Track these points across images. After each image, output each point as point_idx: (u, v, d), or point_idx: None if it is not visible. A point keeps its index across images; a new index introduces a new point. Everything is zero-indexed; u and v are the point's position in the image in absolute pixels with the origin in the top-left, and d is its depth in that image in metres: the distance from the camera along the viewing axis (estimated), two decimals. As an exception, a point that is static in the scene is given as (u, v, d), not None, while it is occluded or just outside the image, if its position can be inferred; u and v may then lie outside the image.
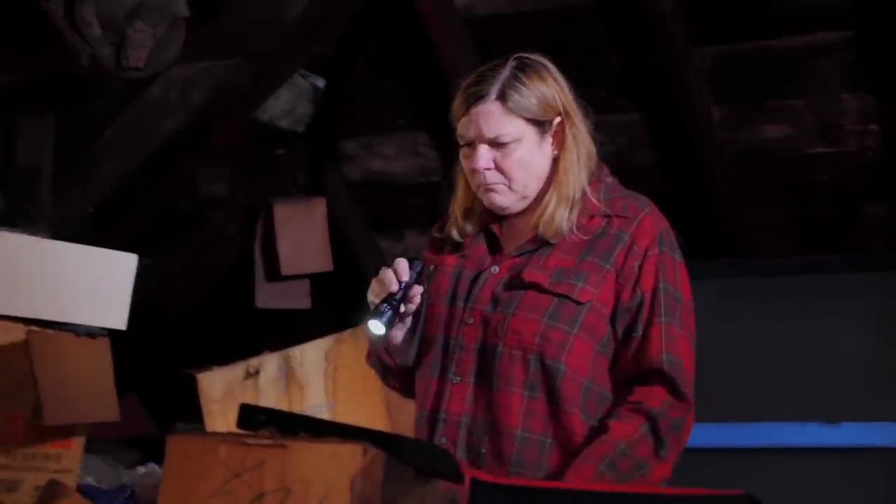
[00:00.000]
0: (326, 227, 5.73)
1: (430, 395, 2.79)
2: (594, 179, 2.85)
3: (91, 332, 2.79)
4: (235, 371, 4.73)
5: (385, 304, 2.72)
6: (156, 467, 4.73)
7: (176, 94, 4.76)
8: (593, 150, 2.87)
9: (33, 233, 3.35)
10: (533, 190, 2.81)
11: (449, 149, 5.59)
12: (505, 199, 2.81)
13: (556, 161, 2.82)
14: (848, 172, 5.22)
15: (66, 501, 2.68)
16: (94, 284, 2.80)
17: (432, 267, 2.85)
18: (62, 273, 2.76)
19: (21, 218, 4.61)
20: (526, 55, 2.87)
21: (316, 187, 5.84)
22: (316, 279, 5.77)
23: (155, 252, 5.32)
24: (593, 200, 2.80)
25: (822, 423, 4.74)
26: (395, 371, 2.91)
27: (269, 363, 4.80)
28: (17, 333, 2.71)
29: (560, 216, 2.79)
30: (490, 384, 2.73)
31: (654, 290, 2.77)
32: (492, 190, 2.80)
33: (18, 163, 4.79)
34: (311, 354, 4.86)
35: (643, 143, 5.39)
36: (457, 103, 2.82)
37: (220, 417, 4.54)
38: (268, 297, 5.79)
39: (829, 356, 4.90)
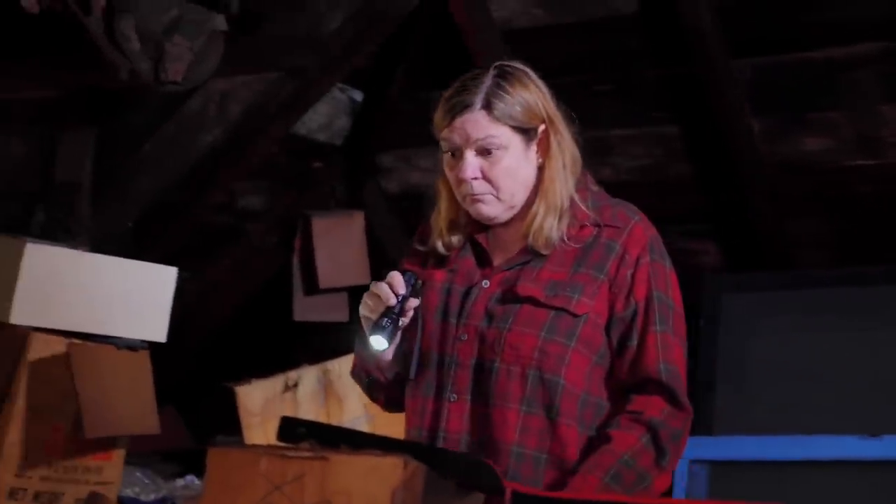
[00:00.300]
0: (364, 240, 5.73)
1: (426, 413, 2.75)
2: (581, 187, 2.83)
3: (131, 345, 2.80)
4: (274, 384, 4.73)
5: (385, 319, 2.70)
6: (195, 480, 4.74)
7: (214, 107, 4.77)
8: (578, 156, 2.85)
9: (73, 247, 3.36)
10: (520, 199, 2.79)
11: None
12: (492, 209, 2.79)
13: (541, 169, 2.80)
14: (888, 184, 5.19)
15: (107, 513, 2.69)
16: (134, 297, 2.81)
17: (422, 282, 2.82)
18: (103, 286, 2.77)
19: (61, 232, 4.62)
20: (507, 63, 2.86)
21: (354, 200, 5.84)
22: (354, 292, 5.77)
23: (193, 265, 5.33)
24: (583, 209, 2.79)
25: (864, 436, 4.71)
26: (382, 385, 2.88)
27: (308, 376, 4.80)
28: (59, 346, 2.72)
29: (549, 225, 2.77)
30: (486, 401, 2.70)
31: (648, 299, 2.75)
32: (479, 200, 2.77)
33: (58, 177, 4.81)
34: (348, 367, 4.86)
35: (681, 155, 5.37)
36: (439, 114, 2.81)
37: (259, 430, 4.54)
38: (306, 310, 5.79)
39: (870, 368, 4.88)
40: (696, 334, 5.19)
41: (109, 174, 4.87)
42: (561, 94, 5.32)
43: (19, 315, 2.68)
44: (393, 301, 2.71)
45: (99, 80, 4.61)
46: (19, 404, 2.67)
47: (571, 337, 2.71)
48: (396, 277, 2.75)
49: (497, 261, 2.83)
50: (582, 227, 2.79)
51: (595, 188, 2.90)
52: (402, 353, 2.79)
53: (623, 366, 2.74)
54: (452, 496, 2.35)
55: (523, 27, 5.20)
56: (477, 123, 2.75)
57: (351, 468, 2.22)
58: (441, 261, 2.87)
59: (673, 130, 5.33)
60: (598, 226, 2.79)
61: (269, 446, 2.30)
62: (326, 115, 5.55)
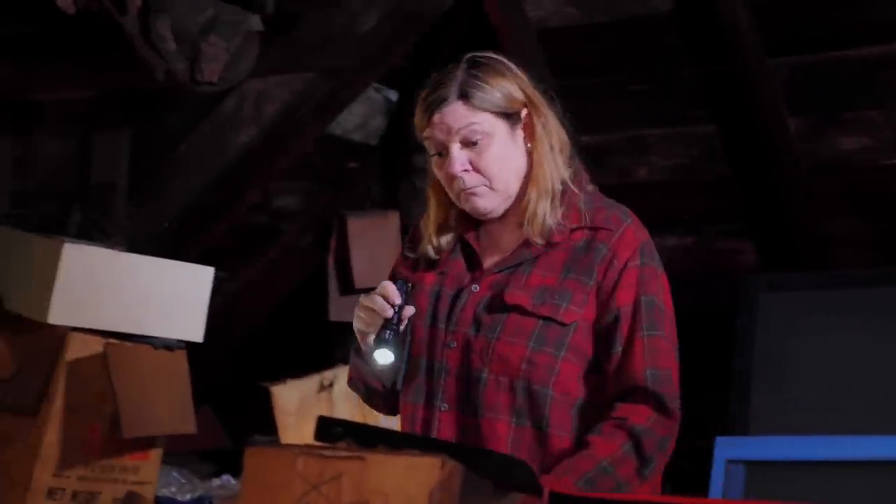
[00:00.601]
0: (400, 240, 5.73)
1: (417, 421, 2.72)
2: (576, 185, 2.77)
3: (168, 345, 2.80)
4: (309, 384, 4.74)
5: (387, 332, 2.65)
6: (231, 480, 4.75)
7: (249, 108, 4.78)
8: (565, 137, 2.80)
9: (110, 247, 3.36)
10: (514, 188, 2.73)
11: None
12: (488, 202, 2.73)
13: (530, 155, 2.75)
14: (926, 183, 5.18)
15: (145, 513, 2.69)
16: (171, 297, 2.81)
17: (411, 285, 2.75)
18: (140, 286, 2.78)
19: (97, 232, 4.64)
20: (478, 53, 2.79)
21: (389, 200, 5.84)
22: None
23: (229, 265, 5.35)
24: (577, 207, 2.73)
25: (901, 437, 4.69)
26: (380, 393, 2.83)
27: (343, 376, 4.79)
28: (96, 346, 2.73)
29: (542, 209, 2.71)
30: (475, 411, 2.67)
31: (636, 303, 2.68)
32: (473, 194, 2.72)
33: (94, 178, 4.83)
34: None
35: (718, 155, 5.35)
36: (418, 116, 2.74)
37: (295, 430, 4.54)
38: (341, 310, 5.79)
39: (908, 368, 4.87)
40: (733, 334, 5.18)
41: (145, 174, 4.89)
42: (596, 93, 5.36)
43: (57, 315, 2.69)
44: (390, 313, 2.66)
45: (135, 80, 4.62)
46: (57, 404, 2.68)
47: (561, 347, 2.66)
48: (389, 287, 2.68)
49: (487, 262, 2.77)
50: (573, 230, 2.72)
51: (590, 188, 2.82)
52: (395, 361, 2.73)
53: (610, 372, 2.68)
54: (490, 496, 2.34)
55: (558, 26, 5.19)
56: (456, 114, 2.69)
57: (388, 468, 2.21)
58: (431, 264, 2.81)
59: (709, 130, 5.31)
60: (591, 228, 2.72)
61: (307, 446, 2.29)
62: (362, 115, 5.55)
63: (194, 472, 4.74)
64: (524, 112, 2.75)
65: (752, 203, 5.41)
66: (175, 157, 4.90)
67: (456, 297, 2.74)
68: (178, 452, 4.53)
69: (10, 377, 2.69)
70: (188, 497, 4.31)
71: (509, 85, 2.75)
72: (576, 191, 2.75)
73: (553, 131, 2.77)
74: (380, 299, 2.68)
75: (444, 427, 2.68)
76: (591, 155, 5.39)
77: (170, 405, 2.78)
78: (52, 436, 2.68)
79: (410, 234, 2.89)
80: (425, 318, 2.74)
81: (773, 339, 5.13)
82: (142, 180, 4.87)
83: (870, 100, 5.09)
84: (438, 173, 2.76)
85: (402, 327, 2.68)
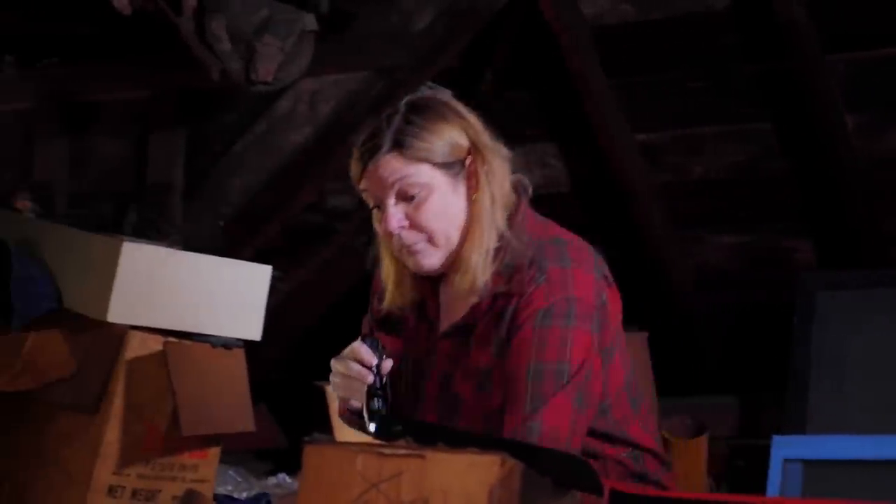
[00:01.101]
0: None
1: None
2: (503, 239, 2.59)
3: (227, 343, 2.81)
4: (364, 383, 4.73)
5: (375, 400, 2.54)
6: (286, 478, 4.75)
7: (304, 107, 4.78)
8: (508, 187, 2.61)
9: (166, 247, 3.38)
10: (456, 240, 2.57)
11: (578, 159, 5.59)
12: (431, 260, 2.58)
13: (470, 205, 2.58)
14: None
15: (204, 511, 2.70)
16: (229, 296, 2.82)
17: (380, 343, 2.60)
18: (198, 284, 2.78)
19: (153, 232, 4.67)
20: (419, 96, 2.63)
21: (442, 200, 5.84)
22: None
23: (283, 265, 5.36)
24: (498, 276, 2.57)
25: (960, 436, 4.65)
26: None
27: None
28: (155, 345, 2.74)
29: (475, 264, 2.55)
30: None
31: (524, 369, 2.52)
32: (414, 252, 2.57)
33: (150, 178, 4.86)
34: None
35: (775, 152, 5.32)
36: (353, 167, 2.59)
37: (348, 429, 4.54)
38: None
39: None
40: (790, 333, 5.15)
41: (200, 174, 4.91)
42: (652, 91, 5.34)
43: (116, 314, 2.70)
44: (370, 378, 2.54)
45: (190, 80, 4.65)
46: (117, 403, 2.69)
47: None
48: (361, 350, 2.55)
49: (444, 324, 2.64)
50: (494, 296, 2.58)
51: (524, 236, 2.61)
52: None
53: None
54: (549, 495, 2.33)
55: (613, 24, 5.17)
56: (388, 166, 2.53)
57: (448, 466, 2.21)
58: (396, 325, 2.69)
59: (766, 127, 5.28)
60: (507, 295, 2.56)
61: (366, 444, 2.29)
62: (415, 114, 5.55)
63: (250, 470, 4.75)
64: (468, 160, 2.58)
65: (810, 201, 5.38)
66: (230, 157, 4.92)
67: (418, 374, 2.65)
68: (234, 451, 4.55)
69: (71, 376, 2.70)
70: (244, 495, 4.33)
71: (452, 130, 2.58)
72: (508, 241, 2.57)
73: (496, 181, 2.59)
74: (355, 365, 2.55)
75: None
76: (646, 154, 5.42)
77: (228, 403, 2.79)
78: (111, 434, 2.69)
79: (374, 289, 2.77)
80: (398, 384, 2.64)
81: (831, 337, 5.10)
82: (197, 180, 4.89)
83: (928, 96, 5.06)
84: (377, 228, 2.62)
85: (386, 385, 2.56)
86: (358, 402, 2.58)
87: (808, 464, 4.76)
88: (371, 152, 2.55)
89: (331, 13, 4.49)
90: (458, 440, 2.35)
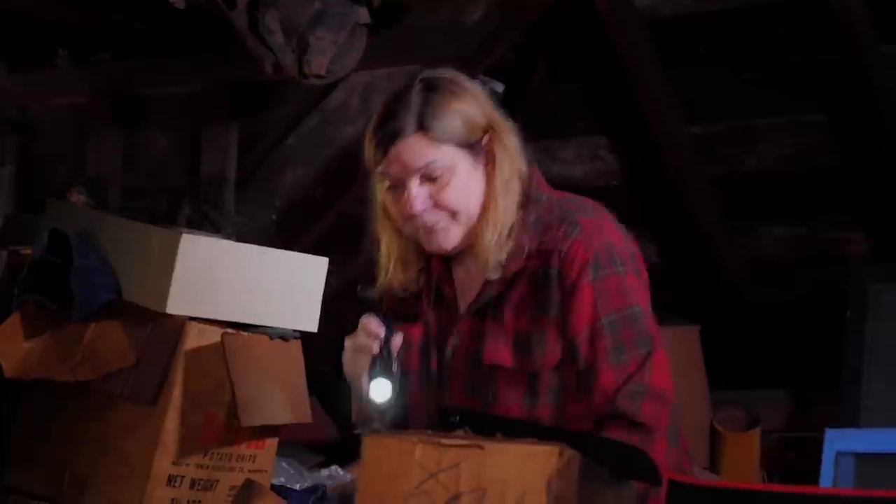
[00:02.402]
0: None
1: None
2: (524, 206, 2.59)
3: (284, 335, 2.82)
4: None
5: (377, 363, 2.58)
6: (339, 470, 4.76)
7: (356, 100, 4.80)
8: (523, 162, 2.61)
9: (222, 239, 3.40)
10: (476, 218, 2.57)
11: (629, 152, 5.58)
12: (452, 238, 2.58)
13: (487, 182, 2.57)
14: None
15: (263, 500, 2.71)
16: (285, 287, 2.83)
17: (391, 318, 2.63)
18: (255, 276, 2.79)
19: (206, 225, 4.69)
20: (430, 75, 2.60)
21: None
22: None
23: (335, 258, 5.36)
24: (527, 234, 2.57)
25: None
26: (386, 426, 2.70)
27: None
28: (213, 336, 2.75)
29: (488, 241, 2.55)
30: None
31: (593, 328, 2.53)
32: (435, 231, 2.56)
33: (203, 171, 4.88)
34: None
35: (829, 144, 5.29)
36: (369, 149, 2.57)
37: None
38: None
39: None
40: (844, 325, 5.13)
41: (253, 167, 4.93)
42: (705, 82, 5.31)
43: (175, 305, 2.71)
44: (376, 348, 2.56)
45: (243, 73, 4.66)
46: (176, 393, 2.70)
47: (556, 392, 2.57)
48: (371, 323, 2.58)
49: (463, 305, 2.63)
50: (528, 257, 2.57)
51: (543, 197, 2.64)
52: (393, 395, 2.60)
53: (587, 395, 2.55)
54: (607, 484, 2.34)
55: (667, 15, 5.15)
56: (414, 149, 2.52)
57: (506, 456, 2.21)
58: (412, 307, 2.69)
59: (820, 119, 5.25)
60: (542, 253, 2.56)
61: (424, 434, 2.30)
62: (468, 107, 5.55)
63: (302, 462, 4.77)
64: (485, 138, 2.58)
65: (864, 193, 5.34)
66: (282, 151, 4.94)
67: (442, 353, 2.65)
68: (287, 443, 4.56)
69: (130, 367, 2.72)
70: (298, 486, 4.34)
71: (470, 109, 2.58)
72: (524, 214, 2.58)
73: (511, 155, 2.60)
74: (362, 337, 2.59)
75: None
76: (698, 146, 5.40)
77: (285, 395, 2.80)
78: (170, 424, 2.70)
79: (372, 276, 2.78)
80: (420, 377, 2.67)
81: (885, 330, 5.08)
82: (250, 174, 4.91)
83: (985, 85, 5.02)
84: (393, 209, 2.60)
85: (393, 358, 2.57)
86: (364, 380, 2.60)
87: (861, 457, 4.74)
88: (393, 135, 2.53)
89: (383, 6, 4.49)
90: (516, 430, 2.35)
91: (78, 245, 2.81)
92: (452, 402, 2.62)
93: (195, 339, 2.73)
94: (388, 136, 2.53)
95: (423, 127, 2.52)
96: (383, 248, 2.70)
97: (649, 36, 5.15)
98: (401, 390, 2.61)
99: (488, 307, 2.62)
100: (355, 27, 4.37)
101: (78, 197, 4.75)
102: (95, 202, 4.76)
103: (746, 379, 5.61)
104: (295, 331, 2.85)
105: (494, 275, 2.58)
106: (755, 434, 4.95)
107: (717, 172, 5.48)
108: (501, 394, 2.61)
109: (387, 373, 2.59)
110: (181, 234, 2.73)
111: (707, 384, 5.28)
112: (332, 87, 4.75)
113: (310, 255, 2.88)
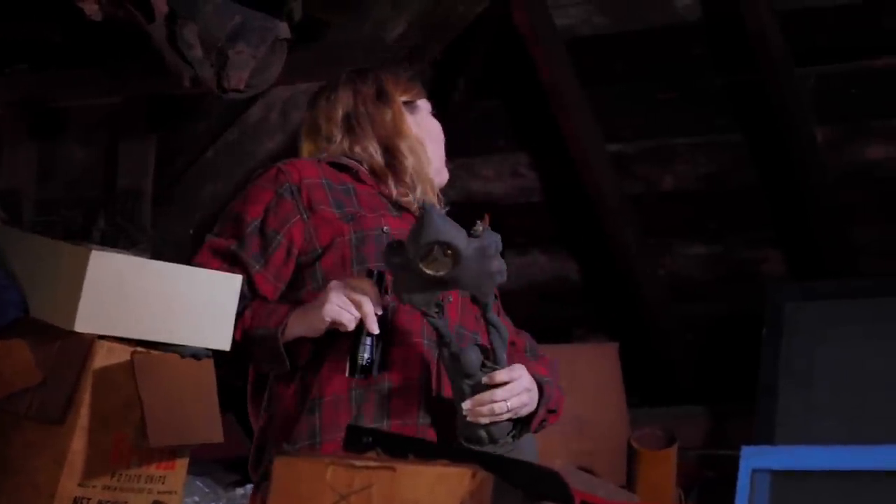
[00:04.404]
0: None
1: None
2: None
3: (196, 354, 2.78)
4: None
5: (363, 350, 2.64)
6: (254, 489, 4.73)
7: (276, 115, 4.77)
8: None
9: (135, 254, 3.36)
10: None
11: (550, 169, 5.60)
12: None
13: None
14: (954, 193, 5.15)
15: (172, 522, 2.68)
16: (198, 305, 2.78)
17: (385, 228, 2.80)
18: (167, 294, 2.75)
19: (122, 239, 4.64)
20: None
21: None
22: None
23: (253, 273, 5.33)
24: None
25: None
26: None
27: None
28: (123, 354, 2.70)
29: None
30: None
31: None
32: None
33: (119, 185, 4.83)
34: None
35: (745, 164, 5.34)
36: (411, 85, 3.03)
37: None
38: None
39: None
40: (760, 343, 5.17)
41: (171, 181, 4.88)
42: (624, 101, 5.35)
43: (83, 323, 2.66)
44: (376, 329, 2.64)
45: (161, 87, 4.62)
46: (83, 413, 2.65)
47: None
48: (373, 291, 2.67)
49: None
50: None
51: None
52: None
53: None
54: (520, 507, 2.33)
55: (587, 35, 5.19)
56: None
57: (419, 478, 2.20)
58: (383, 205, 2.87)
59: (736, 138, 5.30)
60: None
61: (336, 455, 2.28)
62: (388, 122, 5.54)
63: (217, 481, 4.73)
64: None
65: (780, 212, 5.40)
66: (201, 165, 4.90)
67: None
68: (202, 461, 4.52)
69: (37, 386, 2.67)
70: (213, 506, 4.31)
71: None
72: None
73: None
74: (353, 309, 2.64)
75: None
76: (617, 164, 5.43)
77: (197, 414, 2.76)
78: (78, 444, 2.65)
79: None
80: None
81: (800, 348, 5.12)
82: (167, 187, 4.87)
83: (897, 108, 5.09)
84: (432, 124, 3.02)
85: (378, 341, 2.66)
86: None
87: (777, 474, 4.78)
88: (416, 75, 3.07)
89: (304, 21, 4.47)
90: (428, 452, 2.34)
91: (-17, 262, 2.76)
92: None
93: (104, 357, 2.69)
94: (415, 75, 3.07)
95: None
96: (422, 159, 2.94)
97: (569, 55, 5.18)
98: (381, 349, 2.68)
99: None
100: (276, 42, 4.34)
101: (-10, 210, 4.69)
102: (8, 216, 4.69)
103: (664, 396, 5.64)
104: (207, 349, 2.80)
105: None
106: (672, 452, 4.97)
107: (636, 191, 5.51)
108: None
109: (369, 355, 2.64)
110: (91, 250, 2.69)
111: (625, 401, 5.30)
112: (252, 101, 4.73)
113: (223, 273, 2.83)
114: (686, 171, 5.42)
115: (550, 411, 2.75)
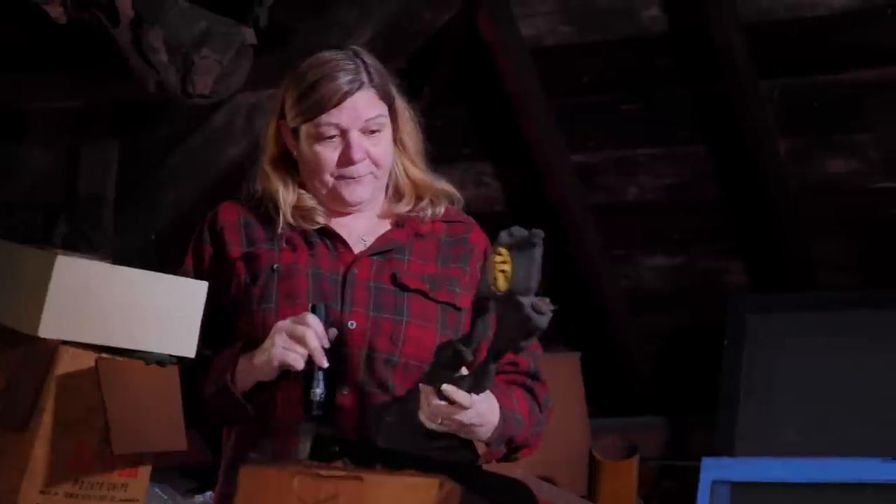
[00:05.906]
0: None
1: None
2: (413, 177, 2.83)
3: (161, 360, 2.76)
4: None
5: (316, 388, 2.59)
6: (212, 496, 4.71)
7: (241, 120, 4.76)
8: (419, 134, 2.85)
9: (97, 259, 3.34)
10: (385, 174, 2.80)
11: (513, 178, 5.60)
12: (368, 190, 2.75)
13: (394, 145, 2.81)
14: (914, 207, 5.19)
15: (134, 530, 2.66)
16: (164, 312, 2.77)
17: (276, 266, 2.73)
18: (133, 300, 2.73)
19: (84, 244, 4.61)
20: (357, 48, 2.84)
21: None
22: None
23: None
24: (430, 202, 2.81)
25: (887, 459, 4.70)
26: None
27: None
28: (87, 361, 2.68)
29: (387, 196, 2.81)
30: (387, 392, 2.65)
31: None
32: (359, 182, 2.74)
33: (82, 189, 4.80)
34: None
35: (708, 175, 5.36)
36: (320, 95, 2.71)
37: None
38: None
39: (894, 391, 4.87)
40: (720, 355, 5.18)
41: (134, 186, 4.86)
42: (588, 112, 5.36)
43: (48, 329, 2.64)
44: (325, 363, 2.59)
45: (126, 91, 4.60)
46: (46, 419, 2.63)
47: (458, 332, 2.68)
48: (319, 327, 2.61)
49: (356, 249, 2.77)
50: (434, 222, 2.80)
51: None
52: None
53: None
54: (486, 518, 2.33)
55: (551, 45, 5.19)
56: (367, 101, 2.71)
57: (386, 489, 2.20)
58: (286, 243, 2.77)
59: (700, 150, 5.32)
60: (447, 221, 2.82)
61: (302, 465, 2.27)
62: (352, 129, 5.54)
63: (176, 488, 4.70)
64: (396, 108, 2.80)
65: (742, 224, 5.42)
66: (164, 170, 4.88)
67: (341, 279, 2.72)
68: (160, 468, 4.49)
69: (0, 392, 2.65)
70: (172, 513, 4.29)
71: (390, 80, 2.81)
72: (415, 179, 2.81)
73: (409, 125, 2.83)
74: (300, 329, 2.60)
75: (346, 411, 2.62)
76: (581, 174, 5.44)
77: (160, 421, 2.74)
78: (40, 451, 2.63)
79: (244, 200, 2.89)
80: (307, 297, 2.69)
81: (761, 360, 5.14)
82: (130, 192, 4.85)
83: (859, 123, 5.12)
84: (323, 154, 2.73)
85: (329, 374, 2.61)
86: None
87: (737, 486, 4.80)
88: (353, 85, 2.70)
89: (270, 27, 4.46)
90: (396, 462, 2.34)
91: (-54, 266, 2.74)
92: (355, 319, 2.66)
93: (68, 363, 2.67)
94: (350, 84, 2.70)
95: (373, 83, 2.73)
96: (279, 193, 2.79)
97: (534, 64, 5.18)
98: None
99: (390, 253, 2.76)
100: (241, 48, 4.33)
101: (-50, 213, 4.66)
102: (-32, 219, 4.67)
103: (625, 406, 5.65)
104: (172, 356, 2.79)
105: (389, 225, 2.79)
106: (633, 462, 4.98)
107: (599, 201, 5.52)
108: (416, 315, 2.70)
109: (322, 391, 2.60)
110: (56, 255, 2.67)
111: (587, 412, 5.30)
112: (217, 106, 4.71)
113: (189, 279, 2.82)
114: (649, 182, 5.43)
115: (514, 447, 2.72)
